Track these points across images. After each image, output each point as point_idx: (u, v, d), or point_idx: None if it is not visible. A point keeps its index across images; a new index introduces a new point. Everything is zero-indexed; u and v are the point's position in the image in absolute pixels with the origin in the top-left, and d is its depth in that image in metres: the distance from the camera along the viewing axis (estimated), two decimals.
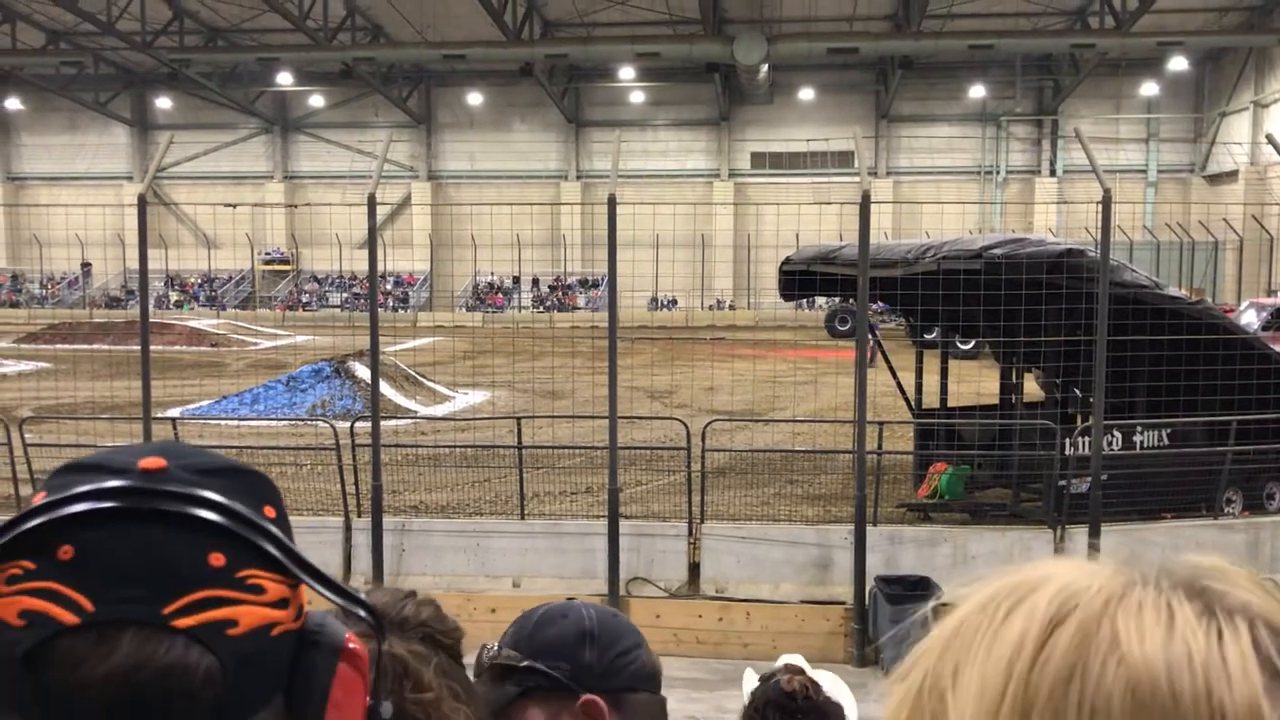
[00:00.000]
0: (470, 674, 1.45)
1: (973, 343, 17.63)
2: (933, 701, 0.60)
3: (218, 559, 0.75)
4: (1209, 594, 0.55)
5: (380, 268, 11.02)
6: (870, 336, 11.17)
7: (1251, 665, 0.51)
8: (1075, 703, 0.52)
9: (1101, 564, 0.59)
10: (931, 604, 0.68)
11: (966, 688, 0.57)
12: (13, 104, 48.20)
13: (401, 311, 44.24)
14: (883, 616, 9.42)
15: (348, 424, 13.28)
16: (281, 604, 0.78)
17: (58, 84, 44.14)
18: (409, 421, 18.30)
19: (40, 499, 0.76)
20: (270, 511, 0.81)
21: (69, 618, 0.71)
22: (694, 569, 10.50)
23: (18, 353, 30.74)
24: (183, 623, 0.73)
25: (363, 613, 0.85)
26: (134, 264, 42.60)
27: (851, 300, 17.00)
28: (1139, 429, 11.17)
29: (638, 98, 46.68)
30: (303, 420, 17.73)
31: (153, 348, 10.94)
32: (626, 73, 42.89)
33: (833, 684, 2.43)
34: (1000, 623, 0.58)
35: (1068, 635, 0.55)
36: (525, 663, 1.54)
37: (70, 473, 0.78)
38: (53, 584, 0.72)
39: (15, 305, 46.96)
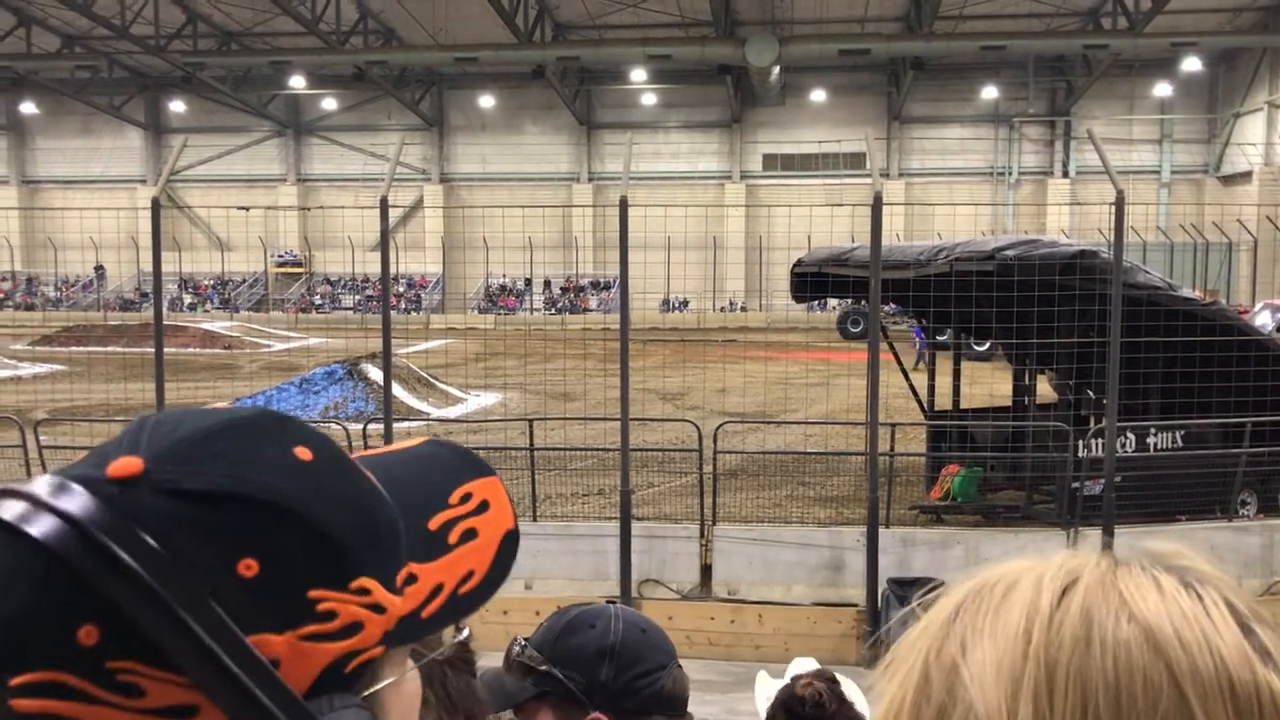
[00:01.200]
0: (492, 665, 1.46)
1: (988, 344, 17.60)
2: (942, 676, 0.62)
3: (89, 635, 0.57)
4: (1181, 570, 0.65)
5: (392, 270, 11.04)
6: (918, 340, 11.15)
7: (1230, 620, 0.61)
8: (1098, 652, 0.59)
9: (1082, 552, 0.67)
10: (919, 598, 0.70)
11: (981, 657, 0.61)
12: (28, 108, 48.47)
13: (414, 314, 44.32)
14: (895, 619, 9.40)
15: (360, 426, 13.33)
16: (178, 712, 0.59)
17: (72, 88, 44.38)
18: (421, 423, 18.33)
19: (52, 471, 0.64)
20: (249, 567, 0.61)
21: None
22: (706, 571, 10.49)
23: (32, 355, 30.92)
24: (21, 704, 0.58)
25: None
26: (148, 267, 42.78)
27: (863, 302, 16.99)
28: (1153, 431, 11.13)
29: (649, 100, 46.69)
30: (315, 422, 17.76)
31: (166, 350, 10.98)
32: (638, 75, 42.90)
33: (850, 690, 2.43)
34: (1001, 599, 0.64)
35: (1079, 598, 0.62)
36: (544, 667, 1.54)
37: (122, 432, 0.66)
38: None
39: (30, 308, 47.21)
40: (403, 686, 0.71)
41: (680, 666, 1.65)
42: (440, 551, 0.72)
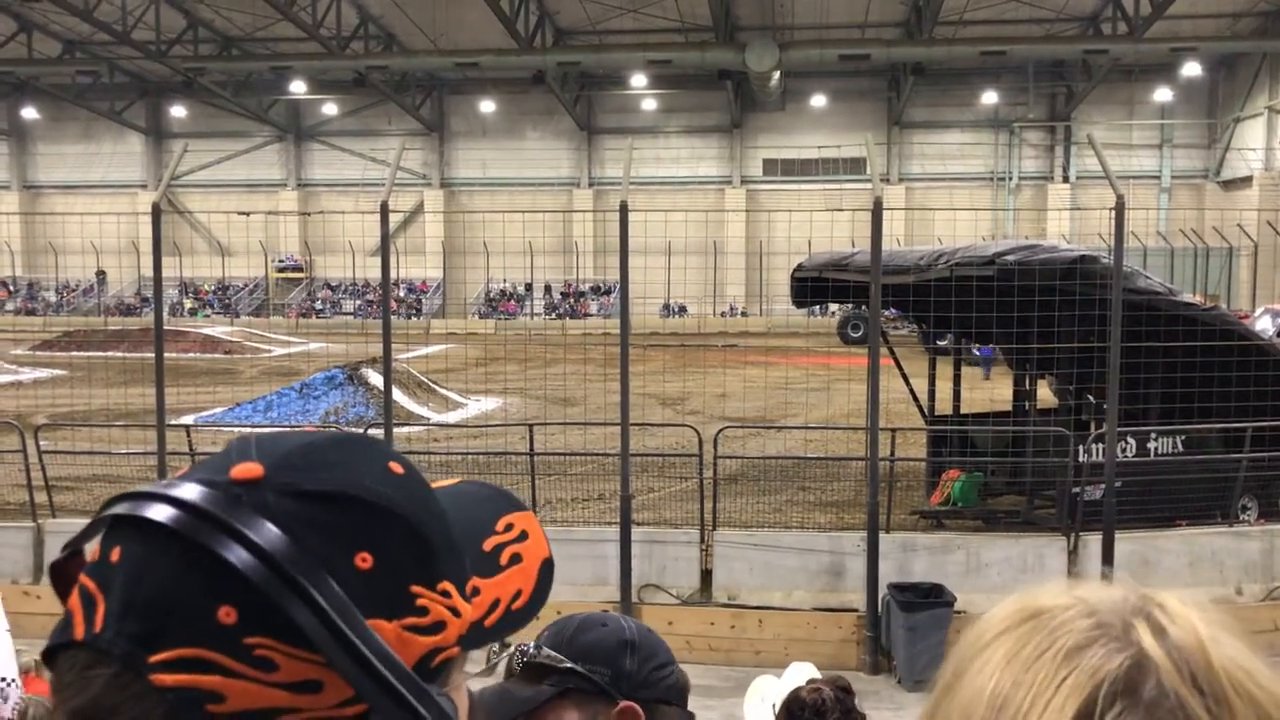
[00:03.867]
0: (478, 673, 1.46)
1: (991, 348, 17.64)
2: None
3: (228, 614, 0.64)
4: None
5: (393, 275, 11.05)
6: (977, 352, 11.10)
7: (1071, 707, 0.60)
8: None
9: (1096, 596, 0.65)
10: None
11: None
12: (29, 113, 48.55)
13: (414, 319, 44.34)
14: (896, 624, 9.39)
15: (360, 431, 13.34)
16: (302, 687, 0.65)
17: (73, 93, 44.43)
18: (422, 428, 18.34)
19: (182, 471, 0.72)
20: (364, 560, 0.68)
21: (79, 631, 0.66)
22: (706, 576, 10.49)
23: (33, 360, 30.93)
24: (162, 678, 0.63)
25: None
26: (148, 271, 42.76)
27: (864, 307, 16.99)
28: (1153, 436, 11.13)
29: (650, 105, 46.75)
30: (316, 427, 17.78)
31: (167, 355, 10.99)
32: (638, 80, 42.94)
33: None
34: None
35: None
36: (567, 664, 1.55)
37: (221, 451, 0.72)
38: (94, 586, 0.67)
39: (31, 313, 47.25)
40: (463, 692, 0.77)
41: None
42: (494, 571, 0.80)
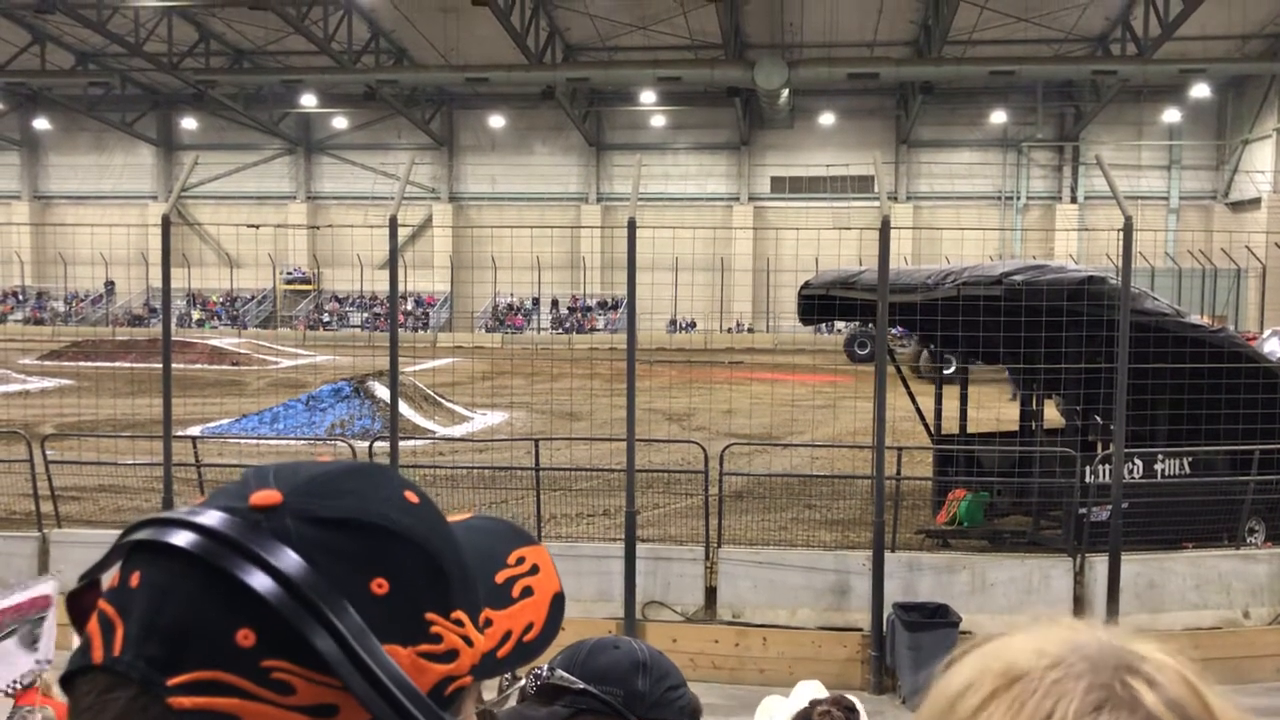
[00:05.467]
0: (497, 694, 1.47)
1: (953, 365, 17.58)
2: None
3: (246, 637, 0.65)
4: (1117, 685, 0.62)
5: (401, 288, 11.07)
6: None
7: None
8: None
9: (1052, 642, 0.65)
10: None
11: None
12: (41, 124, 48.82)
13: (421, 332, 44.42)
14: (900, 644, 9.36)
15: (366, 444, 13.35)
16: (318, 710, 0.65)
17: (85, 104, 44.67)
18: (427, 442, 18.34)
19: (200, 501, 0.73)
20: (380, 586, 0.69)
21: (97, 655, 0.67)
22: (710, 593, 10.46)
23: (41, 370, 31.01)
24: (180, 701, 0.64)
25: None
26: (157, 282, 42.95)
27: (871, 325, 16.96)
28: (1160, 457, 11.09)
29: (658, 121, 46.88)
30: (321, 440, 17.79)
31: (174, 366, 11.01)
32: (647, 96, 43.07)
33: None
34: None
35: None
36: (580, 685, 1.56)
37: (238, 480, 0.74)
38: (112, 611, 0.68)
39: (40, 322, 47.40)
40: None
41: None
42: (507, 603, 0.81)
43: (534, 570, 0.85)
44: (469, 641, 0.74)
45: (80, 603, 0.72)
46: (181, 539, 0.67)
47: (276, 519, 0.68)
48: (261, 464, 0.76)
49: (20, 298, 50.13)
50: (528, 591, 0.83)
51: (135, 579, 0.68)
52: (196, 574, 0.66)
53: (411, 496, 0.75)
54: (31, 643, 5.01)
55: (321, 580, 0.66)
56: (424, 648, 0.70)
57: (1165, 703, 0.60)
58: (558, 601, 0.86)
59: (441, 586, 0.73)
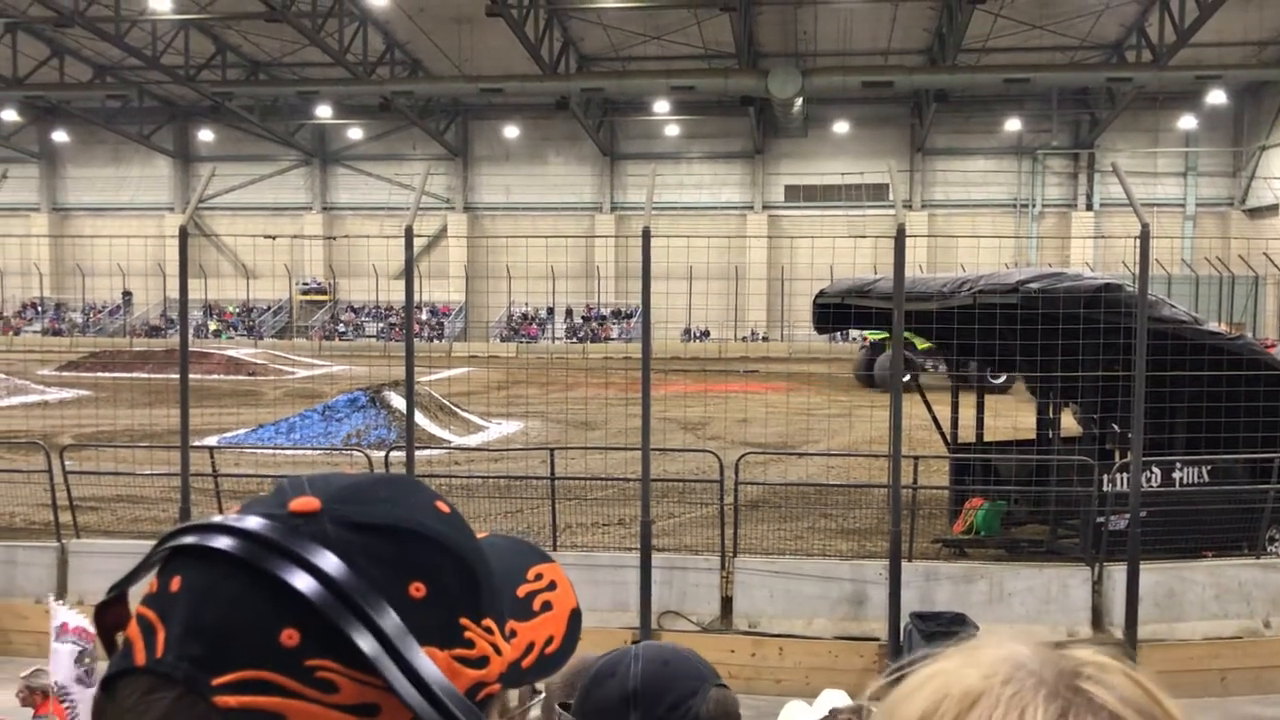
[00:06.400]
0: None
1: (1004, 376, 17.34)
2: None
3: (290, 637, 0.66)
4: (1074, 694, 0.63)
5: (416, 298, 11.10)
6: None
7: None
8: None
9: (997, 660, 0.66)
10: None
11: None
12: (60, 136, 49.20)
13: (437, 342, 44.53)
14: (918, 654, 9.31)
15: (382, 454, 13.37)
16: (361, 709, 0.66)
17: (103, 117, 45.01)
18: (443, 451, 18.36)
19: (235, 509, 0.74)
20: (418, 590, 0.70)
21: (140, 658, 0.68)
22: (726, 603, 10.43)
23: (59, 380, 31.19)
24: (225, 700, 0.65)
25: None
26: (174, 293, 43.17)
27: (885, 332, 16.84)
28: (1178, 465, 11.02)
29: (672, 131, 46.96)
30: (338, 450, 17.84)
31: (191, 376, 11.06)
32: (661, 106, 43.18)
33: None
34: None
35: None
36: None
37: (273, 487, 0.75)
38: (153, 615, 0.69)
39: (58, 333, 47.70)
40: None
41: (722, 685, 1.64)
42: (529, 616, 0.83)
43: (552, 586, 0.87)
44: (497, 650, 0.75)
45: (107, 615, 0.73)
46: (223, 543, 0.69)
47: (316, 524, 0.70)
48: (294, 474, 0.78)
49: (39, 309, 50.47)
50: (547, 606, 0.85)
51: (176, 583, 0.69)
52: (239, 576, 0.67)
53: (443, 507, 0.77)
54: (87, 670, 5.01)
55: (362, 582, 0.67)
56: (458, 652, 0.72)
57: (1121, 700, 0.63)
58: (575, 617, 0.88)
59: (474, 593, 0.75)
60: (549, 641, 0.83)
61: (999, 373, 28.52)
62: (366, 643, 0.66)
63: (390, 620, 0.67)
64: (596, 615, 10.20)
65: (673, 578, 10.41)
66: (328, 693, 0.66)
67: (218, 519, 0.70)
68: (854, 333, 33.45)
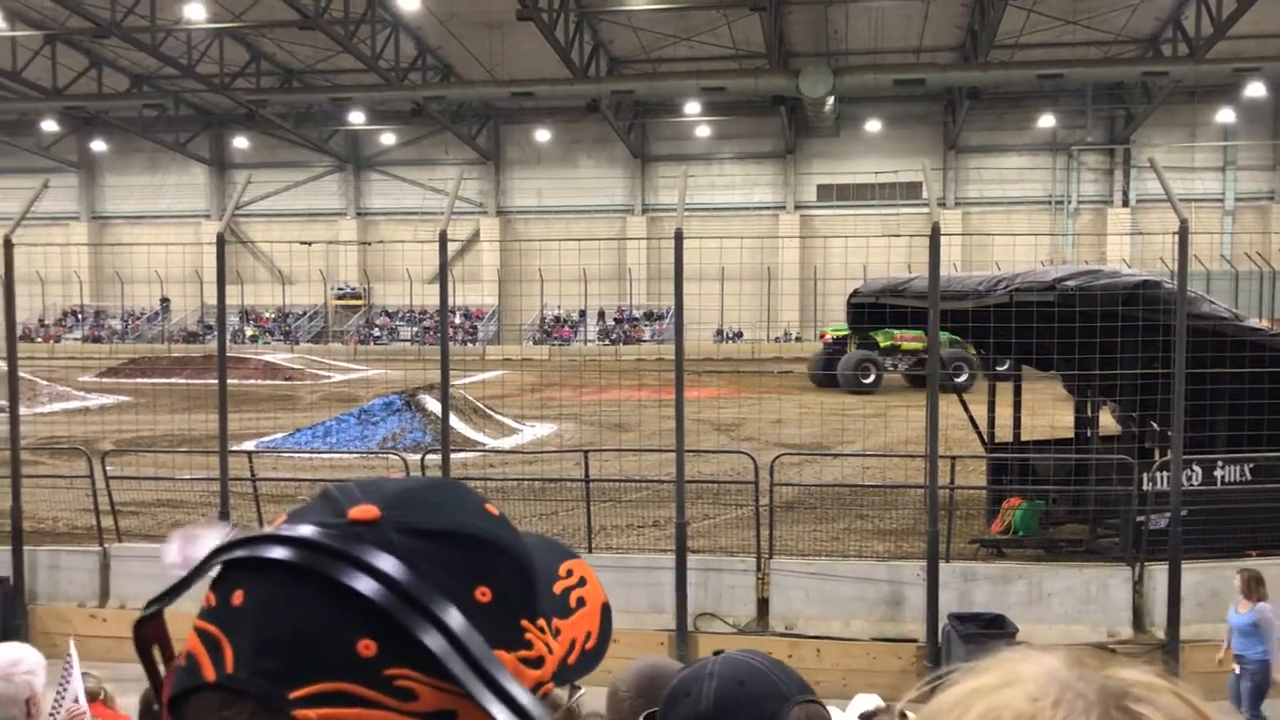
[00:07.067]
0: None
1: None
2: None
3: (368, 647, 0.66)
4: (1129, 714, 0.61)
5: (450, 302, 11.15)
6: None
7: None
8: None
9: (1040, 679, 0.64)
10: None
11: None
12: (98, 146, 49.86)
13: (470, 345, 44.75)
14: (957, 655, 9.24)
15: (418, 457, 13.45)
16: (437, 716, 0.67)
17: (140, 126, 45.58)
18: (478, 454, 18.44)
19: (280, 521, 0.73)
20: (484, 594, 0.71)
21: (209, 674, 0.67)
22: (763, 604, 10.40)
23: (100, 387, 31.61)
24: (305, 714, 0.65)
25: None
26: (211, 300, 43.66)
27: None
28: (1220, 464, 10.88)
29: (703, 131, 46.92)
30: (374, 453, 17.95)
31: (229, 381, 11.17)
32: (692, 107, 43.16)
33: None
34: None
35: None
36: None
37: (317, 498, 0.75)
38: (216, 630, 0.68)
39: (98, 340, 48.33)
40: None
41: (813, 702, 1.56)
42: (568, 613, 0.83)
43: (582, 582, 0.87)
44: (549, 649, 0.76)
45: (144, 631, 0.73)
46: (286, 554, 0.68)
47: (378, 532, 0.69)
48: (337, 480, 0.78)
49: (79, 316, 51.16)
50: (581, 602, 0.85)
51: (239, 597, 0.68)
52: (308, 587, 0.67)
53: (492, 509, 0.77)
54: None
55: (431, 588, 0.67)
56: (521, 654, 0.72)
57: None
58: (606, 612, 0.88)
59: (531, 595, 0.75)
60: (588, 637, 0.83)
61: (961, 369, 28.44)
62: (442, 649, 0.65)
63: (463, 625, 0.67)
64: (632, 617, 10.20)
65: (708, 579, 10.39)
66: (407, 701, 0.66)
67: (271, 531, 0.70)
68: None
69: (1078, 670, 0.64)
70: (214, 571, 0.72)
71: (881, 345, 30.72)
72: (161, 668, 0.74)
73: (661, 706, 1.56)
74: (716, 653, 1.63)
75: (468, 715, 0.67)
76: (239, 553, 0.70)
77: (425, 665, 0.66)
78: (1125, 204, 44.89)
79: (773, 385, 28.69)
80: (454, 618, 0.67)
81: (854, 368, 28.98)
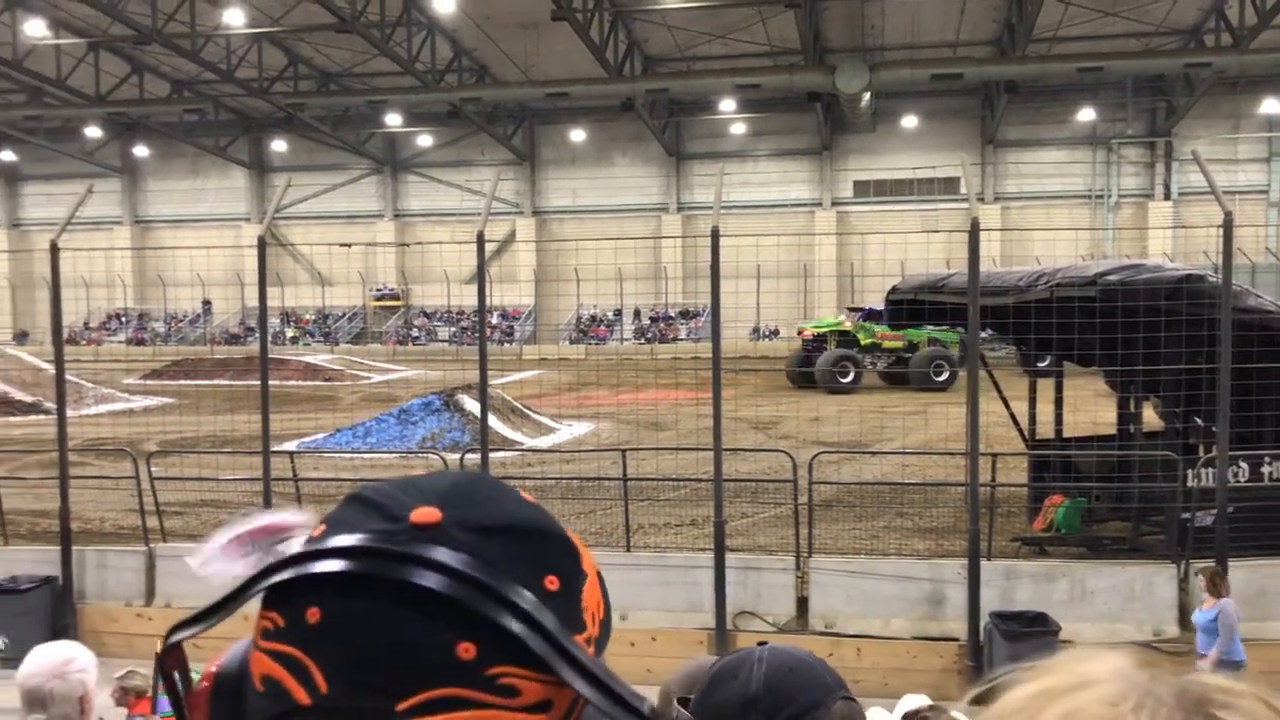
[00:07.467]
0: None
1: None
2: None
3: (467, 650, 0.66)
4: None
5: (487, 302, 11.20)
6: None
7: None
8: None
9: (1115, 681, 0.61)
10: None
11: None
12: (140, 151, 50.54)
13: (507, 345, 44.93)
14: (999, 654, 9.17)
15: (457, 456, 13.53)
16: (540, 708, 0.68)
17: (181, 130, 46.15)
18: (516, 453, 18.52)
19: (317, 533, 0.72)
20: (552, 582, 0.71)
21: (302, 697, 0.66)
22: (802, 603, 10.37)
23: (144, 388, 32.04)
24: None
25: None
26: (252, 302, 44.12)
27: (960, 329, 16.70)
28: (1267, 459, 10.72)
29: (738, 129, 46.81)
30: (413, 453, 18.07)
31: (270, 382, 11.28)
32: (727, 105, 43.06)
33: None
34: None
35: None
36: None
37: (354, 505, 0.73)
38: (295, 651, 0.66)
39: (141, 343, 49.00)
40: None
41: (850, 699, 1.57)
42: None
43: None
44: (591, 625, 0.77)
45: (169, 660, 0.73)
46: (359, 566, 0.67)
47: (442, 533, 0.69)
48: (368, 482, 0.77)
49: (123, 319, 51.88)
50: (585, 573, 0.85)
51: (314, 615, 0.67)
52: (391, 598, 0.66)
53: (529, 497, 0.77)
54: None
55: (510, 583, 0.68)
56: (585, 635, 0.73)
57: None
58: (601, 579, 0.86)
59: (581, 577, 0.75)
60: (599, 606, 0.82)
61: (943, 367, 28.06)
62: (536, 643, 0.66)
63: (548, 616, 0.68)
64: (671, 616, 10.21)
65: (747, 578, 10.37)
66: (511, 698, 0.66)
67: (328, 545, 0.69)
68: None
69: (1151, 672, 0.62)
70: (255, 592, 0.71)
71: (862, 343, 30.25)
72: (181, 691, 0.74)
73: (702, 689, 1.54)
74: (760, 644, 1.64)
75: (560, 702, 0.69)
76: (288, 573, 0.68)
77: (522, 660, 0.66)
78: (1167, 197, 44.30)
79: (750, 383, 28.40)
80: (538, 609, 0.67)
81: (832, 366, 28.43)
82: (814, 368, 28.23)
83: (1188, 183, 43.14)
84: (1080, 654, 0.65)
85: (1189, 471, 10.42)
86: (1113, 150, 44.68)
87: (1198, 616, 8.28)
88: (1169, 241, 40.63)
